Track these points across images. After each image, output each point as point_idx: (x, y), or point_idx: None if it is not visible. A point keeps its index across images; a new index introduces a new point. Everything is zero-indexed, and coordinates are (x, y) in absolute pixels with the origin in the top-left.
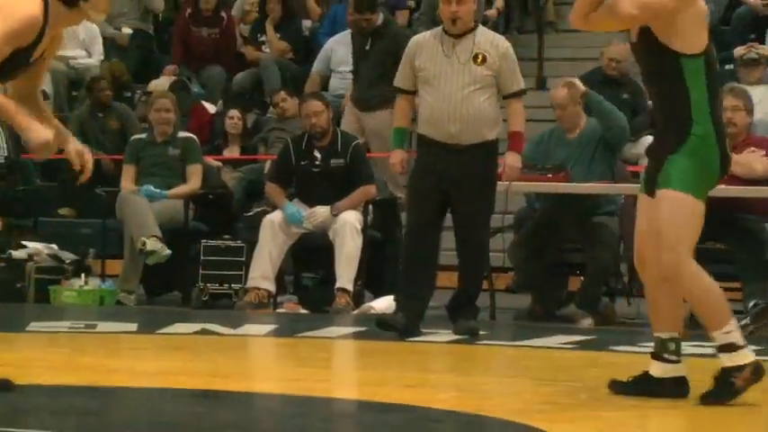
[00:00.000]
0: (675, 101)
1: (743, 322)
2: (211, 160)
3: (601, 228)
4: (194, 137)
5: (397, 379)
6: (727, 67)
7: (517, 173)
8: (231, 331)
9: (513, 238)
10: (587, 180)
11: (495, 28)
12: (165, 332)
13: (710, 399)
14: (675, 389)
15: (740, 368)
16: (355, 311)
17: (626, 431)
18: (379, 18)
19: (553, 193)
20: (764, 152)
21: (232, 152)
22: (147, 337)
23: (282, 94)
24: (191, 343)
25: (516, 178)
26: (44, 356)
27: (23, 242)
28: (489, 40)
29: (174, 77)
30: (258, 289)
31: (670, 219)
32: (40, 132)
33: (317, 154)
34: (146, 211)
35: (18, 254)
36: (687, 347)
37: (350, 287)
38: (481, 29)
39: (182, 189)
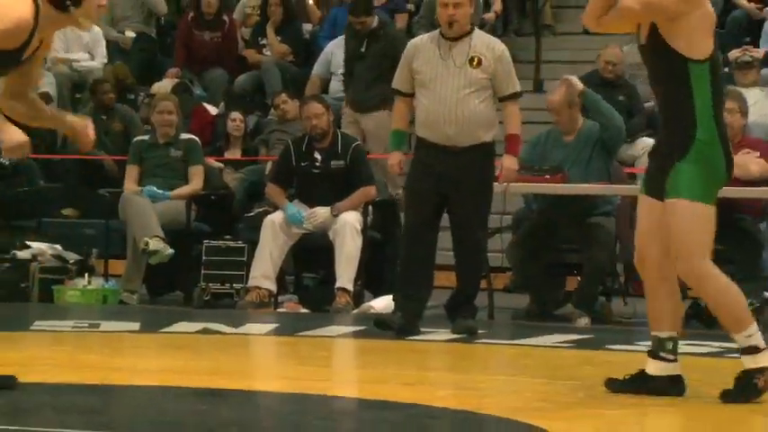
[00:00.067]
0: (680, 103)
1: None
2: (213, 161)
3: (597, 228)
4: (196, 138)
5: (397, 377)
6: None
7: (514, 175)
8: (233, 330)
9: (510, 239)
10: (584, 181)
11: (493, 31)
12: (167, 331)
13: (732, 398)
14: (671, 387)
15: (762, 370)
16: (355, 311)
17: (623, 429)
18: (375, 21)
19: (550, 194)
20: (759, 154)
21: (233, 153)
22: (150, 336)
23: (283, 96)
24: (193, 342)
25: (513, 180)
26: (48, 355)
27: (27, 243)
28: (485, 44)
29: (176, 80)
30: (259, 288)
31: (682, 228)
32: (12, 134)
33: (318, 155)
34: (148, 211)
35: (22, 254)
36: (682, 346)
37: (350, 287)
38: (477, 32)
39: (184, 190)
